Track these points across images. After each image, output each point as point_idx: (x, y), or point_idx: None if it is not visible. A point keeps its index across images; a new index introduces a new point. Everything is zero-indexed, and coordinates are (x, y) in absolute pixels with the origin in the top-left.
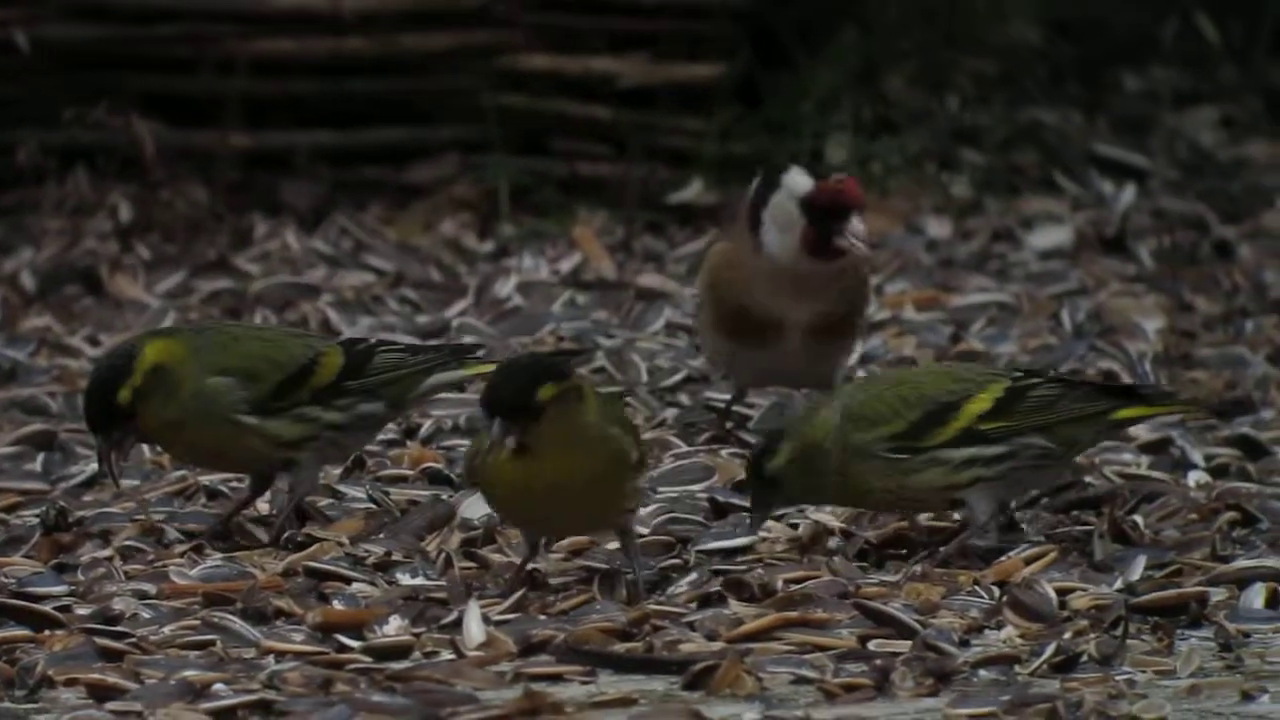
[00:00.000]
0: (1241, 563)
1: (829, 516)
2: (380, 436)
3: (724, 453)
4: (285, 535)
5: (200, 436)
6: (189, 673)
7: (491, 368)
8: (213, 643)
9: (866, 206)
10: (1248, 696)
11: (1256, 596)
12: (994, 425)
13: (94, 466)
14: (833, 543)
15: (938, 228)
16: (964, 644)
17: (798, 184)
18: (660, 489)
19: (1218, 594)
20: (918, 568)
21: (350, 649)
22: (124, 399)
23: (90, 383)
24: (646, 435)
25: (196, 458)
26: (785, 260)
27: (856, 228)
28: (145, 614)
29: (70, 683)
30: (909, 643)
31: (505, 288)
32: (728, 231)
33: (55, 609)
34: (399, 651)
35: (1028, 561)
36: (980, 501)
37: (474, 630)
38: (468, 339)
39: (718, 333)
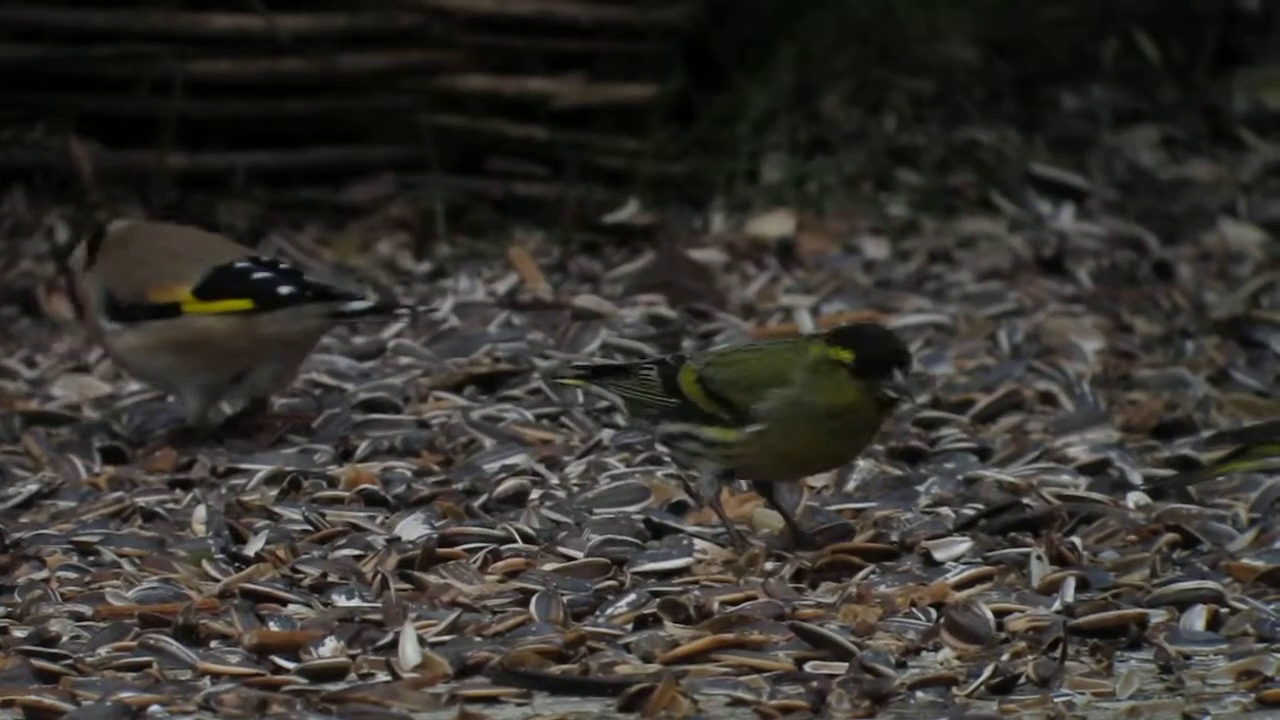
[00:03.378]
0: (1182, 584)
1: (764, 539)
2: (317, 458)
3: (660, 474)
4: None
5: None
6: (125, 694)
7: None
8: (149, 664)
9: (803, 227)
10: (1188, 718)
11: (1197, 618)
12: None
13: (31, 487)
14: (769, 564)
15: (874, 248)
16: (901, 666)
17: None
18: (596, 510)
19: (1158, 616)
20: (854, 589)
21: (286, 670)
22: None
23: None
24: (582, 458)
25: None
26: None
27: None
28: (82, 635)
29: (7, 704)
30: (845, 664)
31: (441, 309)
32: None
33: None
34: (335, 673)
35: (965, 583)
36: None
37: (409, 652)
38: (403, 360)
39: None
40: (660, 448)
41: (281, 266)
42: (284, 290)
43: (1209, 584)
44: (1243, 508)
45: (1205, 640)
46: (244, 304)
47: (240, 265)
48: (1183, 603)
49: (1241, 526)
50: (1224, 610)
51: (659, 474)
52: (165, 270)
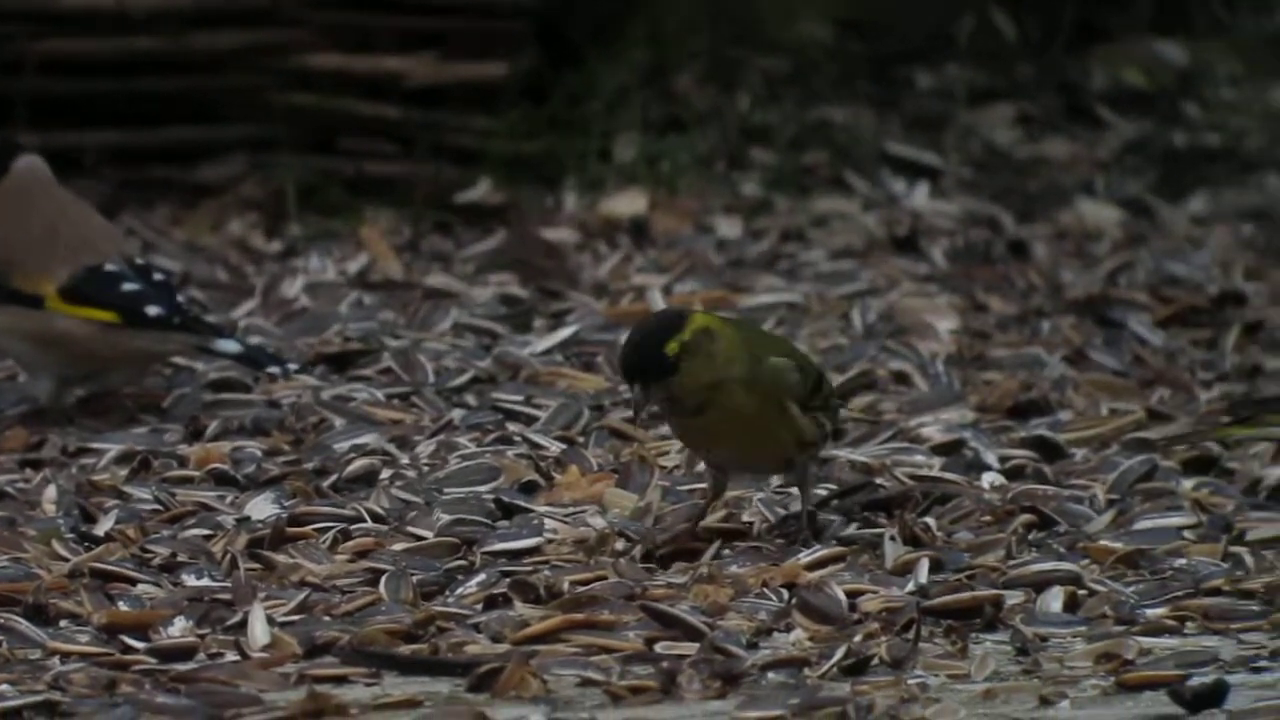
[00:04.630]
0: (1038, 566)
1: (613, 519)
2: (167, 438)
3: (510, 454)
4: (804, 536)
5: (744, 407)
6: None
7: None
8: None
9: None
10: (1046, 702)
11: (1055, 600)
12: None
13: None
14: (620, 544)
15: (727, 227)
16: (752, 646)
17: None
18: (446, 490)
19: (1014, 597)
20: (705, 569)
21: (136, 650)
22: (671, 351)
23: (637, 335)
24: (433, 438)
25: (717, 434)
26: None
27: None
28: None
29: None
30: (696, 645)
31: (292, 288)
32: None
33: None
34: (184, 653)
35: (817, 564)
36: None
37: (259, 632)
38: (254, 339)
39: None
40: None
41: (155, 278)
42: (152, 311)
43: (1066, 565)
44: (1100, 489)
45: (1062, 622)
46: (109, 316)
47: (111, 269)
48: (1039, 584)
49: (1099, 508)
50: (1082, 592)
51: (509, 454)
52: (34, 257)
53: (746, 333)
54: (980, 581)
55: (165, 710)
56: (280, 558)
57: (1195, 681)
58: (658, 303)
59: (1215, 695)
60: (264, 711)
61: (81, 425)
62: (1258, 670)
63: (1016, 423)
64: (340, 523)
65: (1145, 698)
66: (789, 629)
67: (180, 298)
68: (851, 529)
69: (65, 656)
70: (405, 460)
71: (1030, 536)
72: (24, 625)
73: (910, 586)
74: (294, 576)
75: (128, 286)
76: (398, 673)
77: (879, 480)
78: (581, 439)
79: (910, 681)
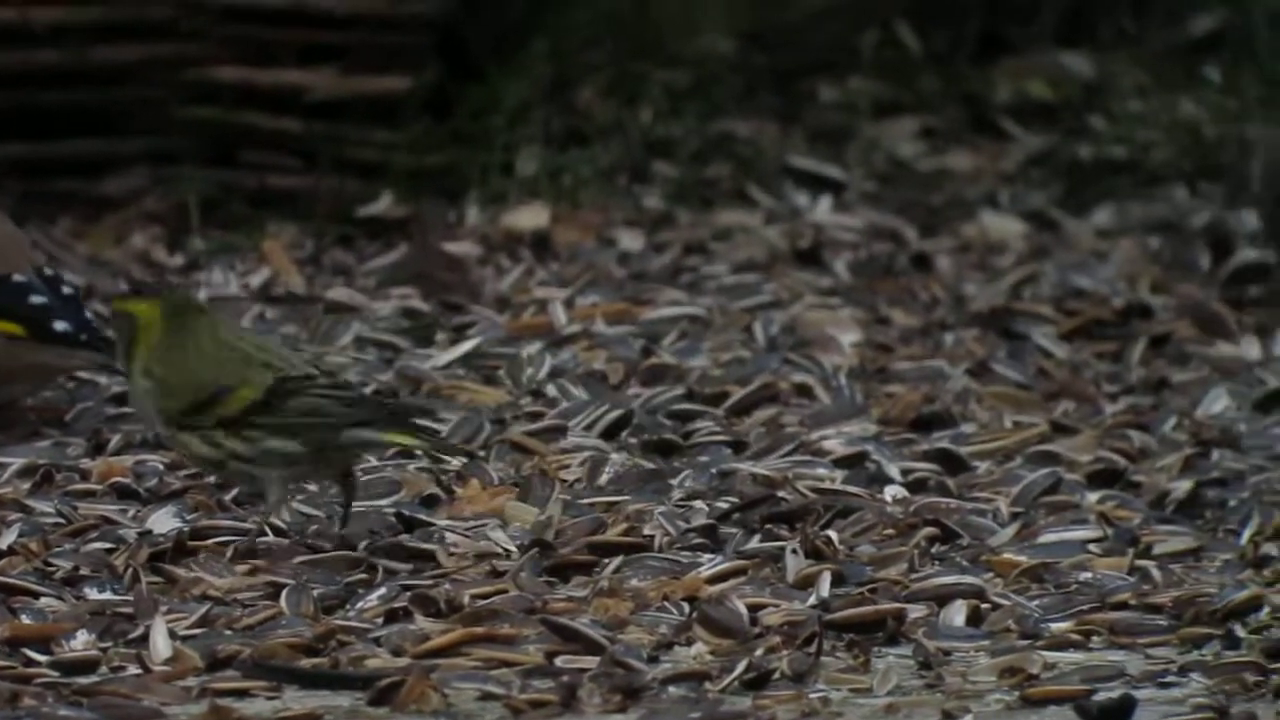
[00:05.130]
0: (941, 579)
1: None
2: (69, 451)
3: (411, 467)
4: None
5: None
6: None
7: (409, 437)
8: None
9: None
10: (949, 716)
11: (958, 614)
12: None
13: None
14: (521, 558)
15: (630, 240)
16: (653, 660)
17: None
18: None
19: (916, 611)
20: (605, 583)
21: (38, 663)
22: (116, 306)
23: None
24: None
25: None
26: None
27: None
28: None
29: None
30: (597, 659)
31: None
32: None
33: None
34: (86, 666)
35: (718, 577)
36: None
37: (160, 645)
38: None
39: None
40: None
41: (64, 291)
42: (58, 327)
43: (969, 579)
44: (1004, 502)
45: (966, 636)
46: (13, 328)
47: (19, 280)
48: (942, 598)
49: (1003, 521)
50: (985, 606)
51: (411, 467)
52: None
53: (178, 336)
54: (883, 595)
55: None
56: (182, 571)
57: (1101, 697)
58: (559, 316)
59: (1122, 711)
60: None
61: None
62: (1165, 685)
63: (919, 435)
64: (242, 536)
65: (1050, 713)
66: (690, 642)
67: (88, 313)
68: (753, 542)
69: None
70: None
71: (933, 550)
72: None
73: (812, 600)
74: (195, 590)
75: (35, 299)
76: (298, 686)
77: (781, 493)
78: (483, 452)
79: (812, 695)
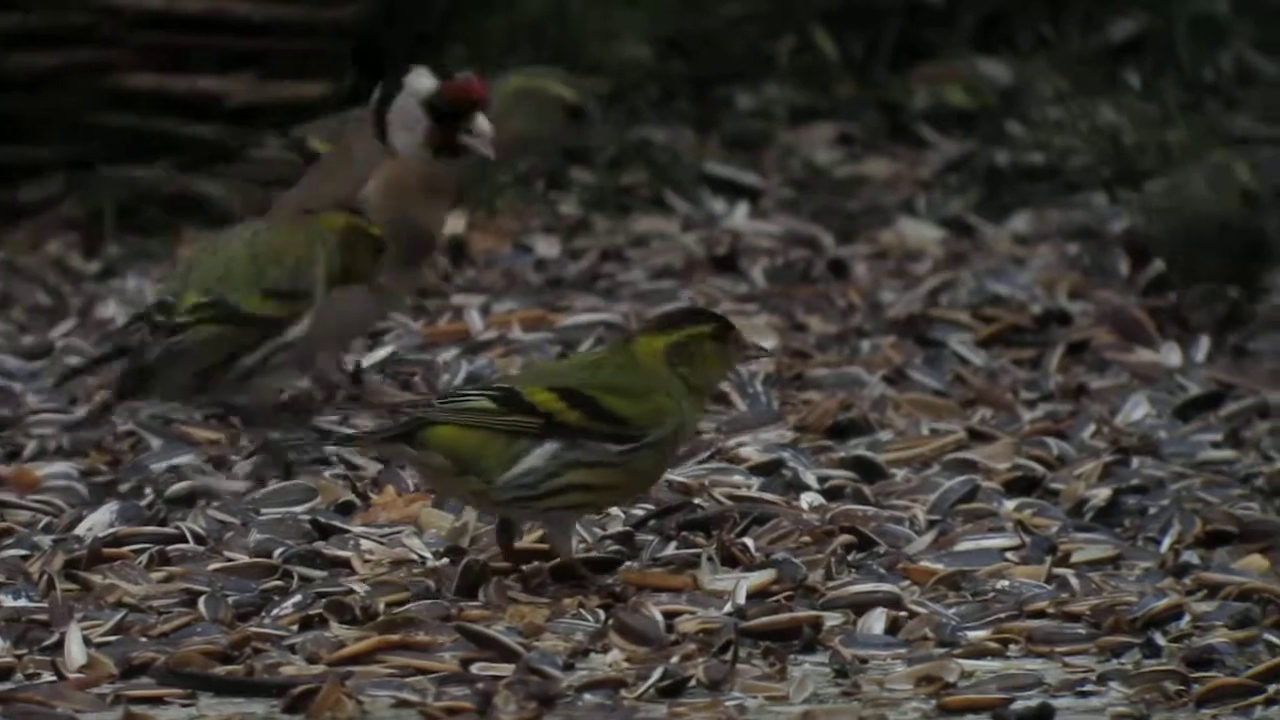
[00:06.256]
0: (858, 587)
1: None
2: None
3: (327, 474)
4: None
5: None
6: None
7: None
8: None
9: (475, 226)
10: None
11: (876, 622)
12: None
13: None
14: (437, 564)
15: (546, 247)
16: (568, 668)
17: (422, 84)
18: (263, 510)
19: (833, 618)
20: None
21: None
22: None
23: None
24: (250, 458)
25: None
26: (413, 161)
27: (481, 126)
28: None
29: None
30: (512, 666)
31: (109, 308)
32: (350, 151)
33: None
34: (1, 673)
35: (638, 584)
36: None
37: (75, 652)
38: (73, 360)
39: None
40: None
41: None
42: None
43: (886, 587)
44: (921, 509)
45: (882, 644)
46: None
47: None
48: (859, 606)
49: (920, 529)
50: (902, 614)
51: (326, 474)
52: None
53: None
54: (799, 603)
55: None
56: (97, 578)
57: (1019, 705)
58: (476, 322)
59: (1040, 719)
60: None
61: None
62: (1084, 694)
63: (836, 442)
64: (158, 543)
65: None
66: (606, 650)
67: None
68: (669, 549)
69: None
70: (222, 480)
71: (850, 557)
72: None
73: (728, 608)
74: (110, 597)
75: None
76: (213, 694)
77: (697, 500)
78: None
79: (728, 703)
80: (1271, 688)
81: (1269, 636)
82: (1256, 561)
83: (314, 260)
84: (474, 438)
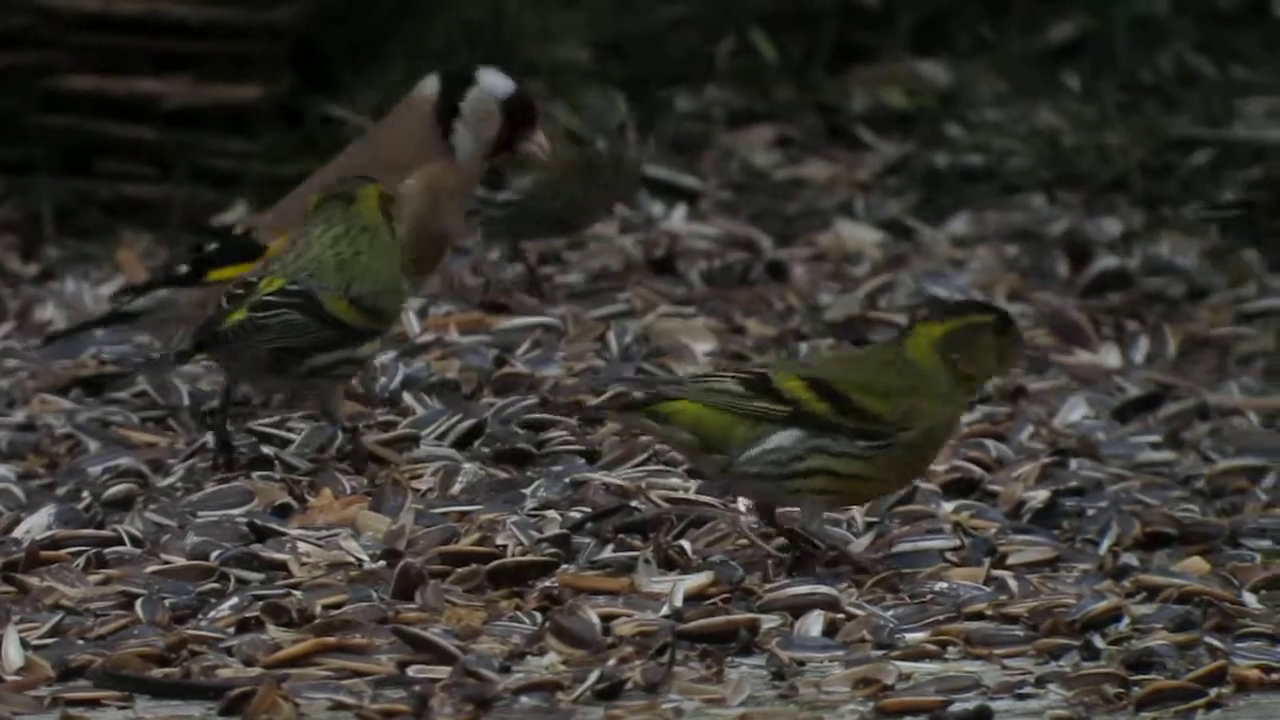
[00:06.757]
0: (795, 589)
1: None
2: None
3: (255, 475)
4: None
5: None
6: None
7: None
8: None
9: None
10: None
11: (814, 624)
12: None
13: None
14: (374, 566)
15: (483, 250)
16: (505, 670)
17: (499, 84)
18: (200, 513)
19: (770, 621)
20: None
21: None
22: None
23: None
24: (187, 461)
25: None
26: (473, 162)
27: (541, 135)
28: None
29: None
30: (449, 668)
31: (48, 311)
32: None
33: None
34: None
35: (574, 587)
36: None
37: (12, 654)
38: (10, 363)
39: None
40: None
41: None
42: None
43: (824, 589)
44: (859, 512)
45: (820, 646)
46: None
47: None
48: (796, 608)
49: (858, 530)
50: (840, 616)
51: (255, 475)
52: None
53: None
54: (736, 605)
55: None
56: (34, 581)
57: (957, 707)
58: (413, 325)
59: None
60: None
61: None
62: (1023, 697)
63: None
64: (96, 545)
65: None
66: (543, 652)
67: None
68: (606, 552)
69: None
70: (160, 483)
71: (787, 559)
72: None
73: (665, 610)
74: (48, 600)
75: None
76: (150, 696)
77: (634, 503)
78: (335, 462)
79: (665, 706)
80: (1213, 691)
81: (1210, 640)
82: (1197, 564)
83: (399, 287)
84: (719, 419)
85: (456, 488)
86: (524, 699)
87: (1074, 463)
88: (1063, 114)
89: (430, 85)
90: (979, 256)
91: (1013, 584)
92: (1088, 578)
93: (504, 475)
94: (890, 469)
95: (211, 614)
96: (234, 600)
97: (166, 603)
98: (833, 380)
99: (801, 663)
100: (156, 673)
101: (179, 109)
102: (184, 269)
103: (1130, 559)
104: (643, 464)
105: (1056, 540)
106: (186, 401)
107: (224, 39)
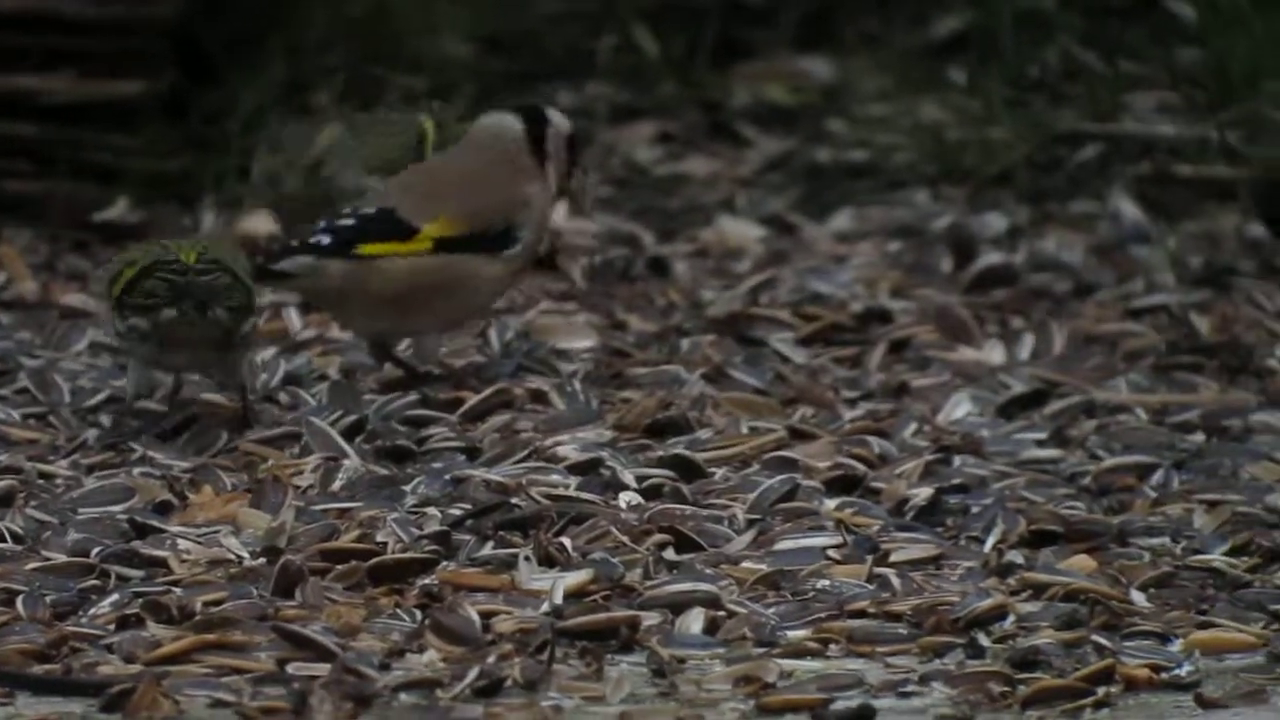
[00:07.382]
0: (676, 586)
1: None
2: None
3: (136, 472)
4: None
5: None
6: None
7: None
8: None
9: None
10: None
11: (694, 621)
12: None
13: None
14: (255, 563)
15: None
16: (385, 668)
17: (565, 122)
18: (81, 510)
19: (651, 618)
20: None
21: None
22: None
23: None
24: (68, 458)
25: None
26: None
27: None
28: None
29: None
30: (328, 666)
31: None
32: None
33: None
34: None
35: (455, 584)
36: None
37: None
38: None
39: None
40: None
41: None
42: None
43: (705, 586)
44: (740, 509)
45: (701, 644)
46: None
47: None
48: (677, 605)
49: (739, 528)
50: (721, 613)
51: (137, 472)
52: None
53: None
54: (616, 602)
55: None
56: None
57: (840, 705)
58: (294, 321)
59: (860, 719)
60: None
61: None
62: (906, 695)
63: (655, 441)
64: None
65: None
66: (422, 650)
67: None
68: (486, 549)
69: None
70: (40, 480)
71: (668, 557)
72: None
73: (545, 607)
74: None
75: None
76: (31, 693)
77: (514, 500)
78: (216, 459)
79: (544, 703)
80: (1101, 690)
81: (1097, 638)
82: (1083, 562)
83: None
84: None
85: (337, 484)
86: (403, 696)
87: (958, 460)
88: (948, 109)
89: (511, 121)
90: (862, 252)
91: (896, 581)
92: (972, 575)
93: (385, 472)
94: None
95: (92, 611)
96: (114, 597)
97: (47, 599)
98: None
99: (682, 660)
100: (37, 669)
101: (60, 104)
102: (325, 240)
103: (1015, 556)
104: (523, 461)
105: (940, 538)
106: (68, 399)
107: (106, 35)
